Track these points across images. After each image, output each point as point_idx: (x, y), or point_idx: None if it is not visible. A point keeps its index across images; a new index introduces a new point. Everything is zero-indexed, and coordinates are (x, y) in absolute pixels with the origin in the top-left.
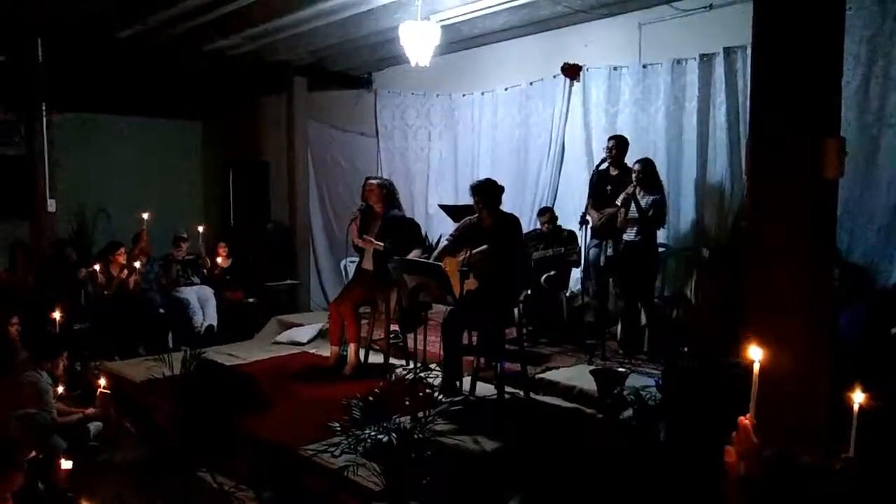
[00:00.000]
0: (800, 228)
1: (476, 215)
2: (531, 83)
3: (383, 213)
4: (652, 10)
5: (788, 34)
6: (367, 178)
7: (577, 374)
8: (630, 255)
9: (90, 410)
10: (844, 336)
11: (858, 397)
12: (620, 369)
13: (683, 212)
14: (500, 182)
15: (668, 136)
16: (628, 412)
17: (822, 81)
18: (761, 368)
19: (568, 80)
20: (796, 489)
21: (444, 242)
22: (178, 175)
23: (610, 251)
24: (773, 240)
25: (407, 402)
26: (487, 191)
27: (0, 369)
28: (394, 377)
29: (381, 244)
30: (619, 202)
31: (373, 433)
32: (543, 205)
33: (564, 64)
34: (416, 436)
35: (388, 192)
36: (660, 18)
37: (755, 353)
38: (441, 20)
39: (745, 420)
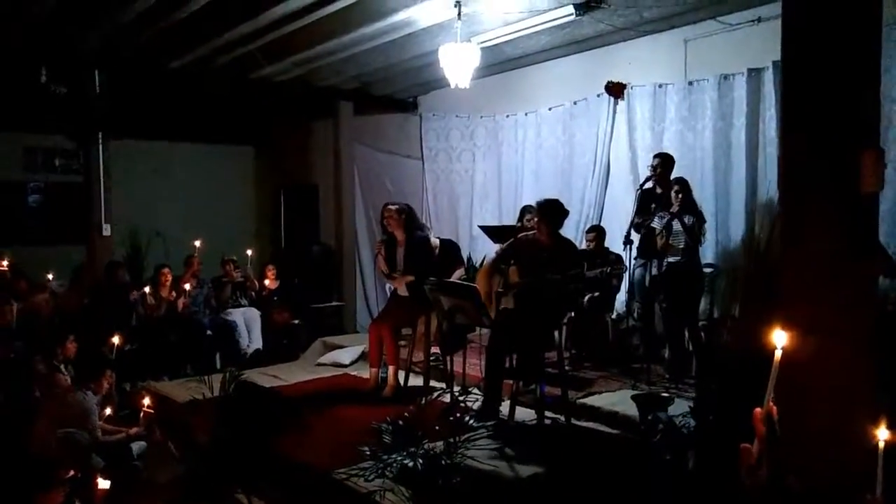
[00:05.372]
0: (835, 245)
1: (532, 232)
2: (575, 102)
3: (406, 238)
4: (697, 26)
5: (822, 43)
6: (386, 205)
7: (619, 400)
8: (674, 275)
9: (134, 430)
10: None
11: (883, 434)
12: (664, 395)
13: (733, 230)
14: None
15: (717, 153)
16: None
17: (859, 91)
18: (789, 371)
19: (612, 98)
20: None
21: (492, 255)
22: (230, 199)
23: (654, 271)
24: (807, 257)
25: (437, 428)
26: (554, 211)
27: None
28: (424, 401)
29: (412, 277)
30: (657, 226)
31: (400, 458)
32: (588, 224)
33: (608, 82)
34: (444, 461)
35: (407, 217)
36: (705, 34)
37: (779, 339)
38: (482, 42)
39: (758, 411)
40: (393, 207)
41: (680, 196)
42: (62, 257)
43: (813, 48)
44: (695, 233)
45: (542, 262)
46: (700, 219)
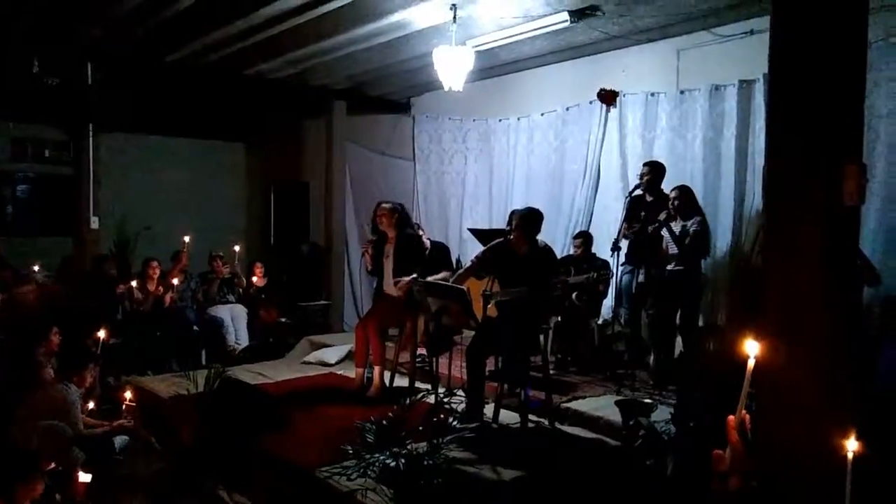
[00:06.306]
0: (817, 257)
1: (506, 238)
2: (567, 109)
3: (396, 236)
4: (690, 36)
5: (808, 58)
6: (379, 203)
7: (603, 405)
8: (671, 284)
9: (116, 423)
10: (886, 373)
11: (852, 445)
12: (647, 400)
13: (720, 240)
14: (535, 209)
15: (706, 163)
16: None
17: (843, 106)
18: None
19: (604, 105)
20: None
21: (468, 264)
22: (220, 195)
23: (641, 277)
24: (790, 268)
25: (420, 429)
26: (534, 222)
27: (31, 380)
28: (409, 402)
29: (413, 277)
30: (650, 231)
31: (382, 458)
32: (577, 230)
33: (601, 90)
34: (426, 462)
35: (399, 216)
36: (698, 44)
37: (751, 349)
38: (477, 45)
39: (731, 419)
40: (386, 206)
41: (678, 203)
42: (49, 249)
43: (799, 62)
44: (684, 242)
45: (520, 271)
46: (702, 227)
